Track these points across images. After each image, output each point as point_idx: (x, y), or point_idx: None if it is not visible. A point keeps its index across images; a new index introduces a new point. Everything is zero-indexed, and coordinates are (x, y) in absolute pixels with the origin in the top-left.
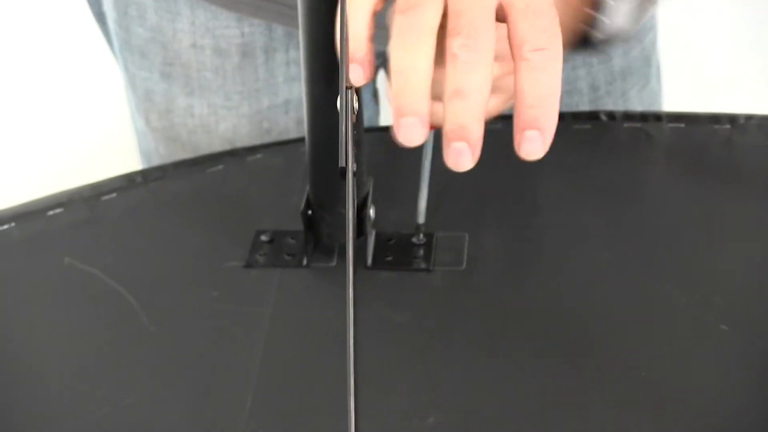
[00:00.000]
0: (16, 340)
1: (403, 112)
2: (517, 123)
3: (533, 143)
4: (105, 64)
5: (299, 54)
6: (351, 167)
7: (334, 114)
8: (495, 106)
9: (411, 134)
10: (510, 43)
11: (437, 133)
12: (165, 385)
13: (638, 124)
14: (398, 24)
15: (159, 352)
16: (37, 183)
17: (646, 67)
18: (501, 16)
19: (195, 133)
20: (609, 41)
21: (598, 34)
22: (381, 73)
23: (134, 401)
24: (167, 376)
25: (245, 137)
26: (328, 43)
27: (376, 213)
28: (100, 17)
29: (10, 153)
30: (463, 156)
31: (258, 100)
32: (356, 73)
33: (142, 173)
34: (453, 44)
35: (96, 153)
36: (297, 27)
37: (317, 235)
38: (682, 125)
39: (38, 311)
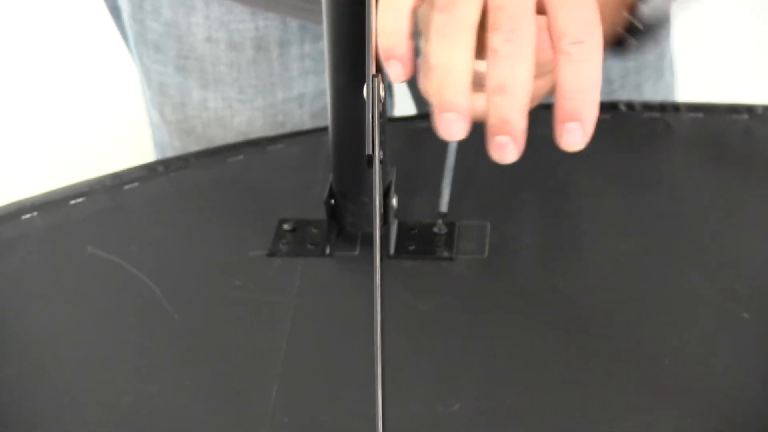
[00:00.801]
0: (40, 330)
1: (445, 108)
2: (558, 114)
3: (574, 134)
4: (121, 58)
5: (314, 47)
6: (378, 155)
7: (358, 102)
8: (541, 88)
9: (453, 129)
10: (550, 35)
11: None
12: (189, 375)
13: (657, 114)
14: (438, 21)
15: (183, 341)
16: (56, 173)
17: (660, 60)
18: (541, 9)
19: (209, 127)
20: (647, 36)
21: (638, 24)
22: None
23: (158, 390)
24: (191, 366)
25: (260, 130)
26: (352, 31)
27: (399, 202)
28: (115, 11)
29: (30, 144)
30: (507, 149)
31: (272, 93)
32: (396, 70)
33: (164, 163)
34: (494, 39)
35: (112, 146)
36: (312, 21)
37: (340, 224)
38: (701, 115)
39: (62, 300)
